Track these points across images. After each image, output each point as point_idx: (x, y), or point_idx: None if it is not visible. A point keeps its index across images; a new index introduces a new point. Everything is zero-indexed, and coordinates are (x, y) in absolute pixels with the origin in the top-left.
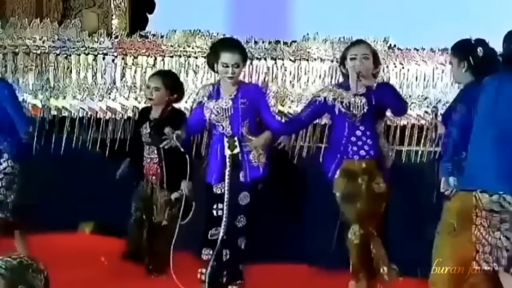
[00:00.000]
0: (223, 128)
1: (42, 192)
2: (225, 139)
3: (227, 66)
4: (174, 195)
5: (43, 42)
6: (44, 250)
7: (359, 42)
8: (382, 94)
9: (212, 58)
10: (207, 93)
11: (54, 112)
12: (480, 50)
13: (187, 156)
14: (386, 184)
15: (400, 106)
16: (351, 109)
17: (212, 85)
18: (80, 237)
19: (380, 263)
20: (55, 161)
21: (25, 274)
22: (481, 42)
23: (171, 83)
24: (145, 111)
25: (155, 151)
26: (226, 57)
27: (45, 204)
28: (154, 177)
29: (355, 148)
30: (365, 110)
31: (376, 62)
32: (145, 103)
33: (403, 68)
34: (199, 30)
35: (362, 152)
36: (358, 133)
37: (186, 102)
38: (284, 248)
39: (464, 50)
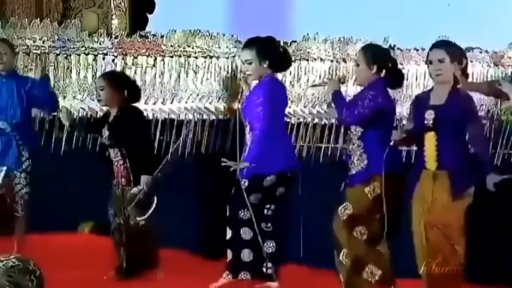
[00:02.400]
0: None
1: (42, 192)
2: None
3: (242, 64)
4: (132, 190)
5: (43, 42)
6: (44, 250)
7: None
8: None
9: None
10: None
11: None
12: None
13: (150, 149)
14: (347, 187)
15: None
16: None
17: None
18: (80, 237)
19: None
20: (55, 161)
21: (11, 275)
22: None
23: (113, 80)
24: (105, 115)
25: (119, 153)
26: (241, 56)
27: (45, 204)
28: (123, 179)
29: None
30: None
31: (374, 64)
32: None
33: (403, 68)
34: (199, 30)
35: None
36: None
37: (186, 102)
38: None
39: (461, 54)
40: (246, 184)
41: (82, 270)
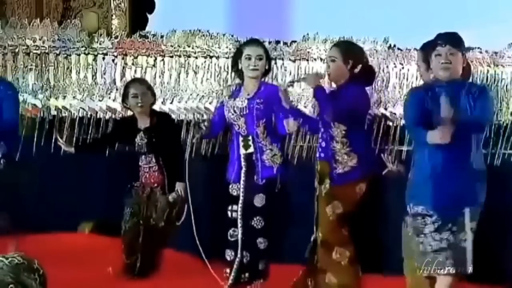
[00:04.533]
0: (239, 127)
1: (42, 192)
2: (240, 138)
3: (249, 58)
4: (171, 197)
5: (43, 42)
6: (44, 250)
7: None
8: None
9: (236, 56)
10: (229, 92)
11: (54, 112)
12: None
13: (184, 157)
14: (334, 186)
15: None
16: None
17: (236, 85)
18: (80, 237)
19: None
20: (55, 161)
21: (16, 273)
22: None
23: (152, 87)
24: (127, 123)
25: (153, 159)
26: (250, 50)
27: (45, 204)
28: (155, 184)
29: (318, 149)
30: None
31: (350, 60)
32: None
33: (403, 68)
34: (199, 30)
35: (317, 154)
36: (320, 135)
37: (186, 102)
38: (284, 249)
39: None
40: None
41: (83, 270)
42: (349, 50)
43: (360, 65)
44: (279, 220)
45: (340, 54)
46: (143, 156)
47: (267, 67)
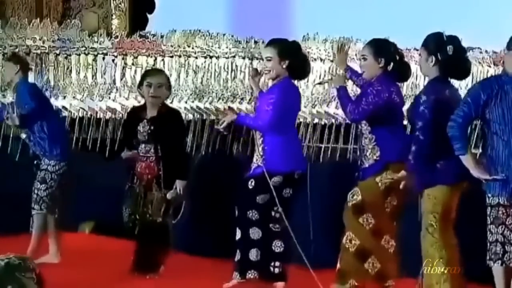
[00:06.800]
0: None
1: None
2: None
3: (262, 60)
4: (170, 195)
5: (43, 42)
6: (44, 250)
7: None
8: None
9: None
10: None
11: None
12: (450, 48)
13: (186, 154)
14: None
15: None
16: None
17: None
18: (80, 237)
19: None
20: None
21: (13, 274)
22: (453, 40)
23: (169, 80)
24: (136, 111)
25: (152, 149)
26: (262, 53)
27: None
28: (150, 176)
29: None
30: None
31: (382, 58)
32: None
33: None
34: (199, 30)
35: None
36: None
37: (186, 102)
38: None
39: (434, 45)
40: (253, 184)
41: (83, 270)
42: (380, 48)
43: (393, 63)
44: None
45: (370, 53)
46: (142, 145)
47: (285, 66)
